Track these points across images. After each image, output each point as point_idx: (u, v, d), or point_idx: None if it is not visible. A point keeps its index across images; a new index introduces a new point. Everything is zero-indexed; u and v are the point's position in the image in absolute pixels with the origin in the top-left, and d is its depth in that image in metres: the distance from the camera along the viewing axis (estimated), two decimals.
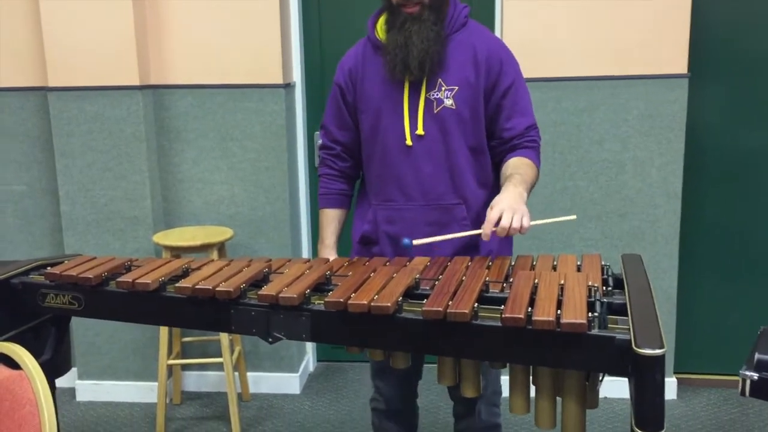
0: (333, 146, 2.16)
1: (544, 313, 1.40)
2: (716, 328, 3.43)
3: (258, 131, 3.26)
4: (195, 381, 3.51)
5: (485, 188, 2.08)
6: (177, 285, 1.67)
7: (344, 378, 3.60)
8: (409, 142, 2.00)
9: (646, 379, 1.29)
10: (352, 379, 3.58)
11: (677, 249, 3.19)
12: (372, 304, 1.50)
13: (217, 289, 1.63)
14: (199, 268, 1.84)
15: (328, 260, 1.98)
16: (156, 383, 3.17)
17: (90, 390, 3.44)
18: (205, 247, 3.00)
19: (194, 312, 1.69)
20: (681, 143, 3.11)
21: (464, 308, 1.45)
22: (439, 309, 1.46)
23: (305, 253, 3.54)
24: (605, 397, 3.22)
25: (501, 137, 2.05)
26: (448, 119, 1.99)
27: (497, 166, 2.12)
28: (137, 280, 1.72)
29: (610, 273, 1.77)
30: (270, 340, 1.63)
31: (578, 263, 1.82)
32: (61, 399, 3.37)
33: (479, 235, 1.80)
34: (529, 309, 1.44)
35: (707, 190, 3.31)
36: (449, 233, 2.04)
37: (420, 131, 2.00)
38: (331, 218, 2.18)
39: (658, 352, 1.27)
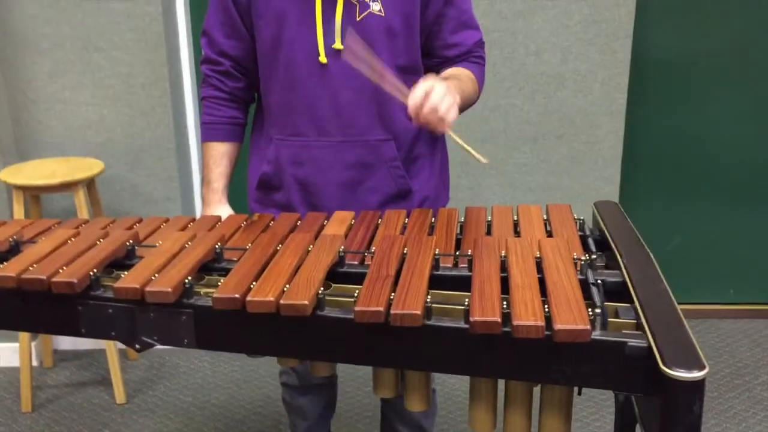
0: (220, 60, 1.63)
1: (528, 314, 0.99)
2: (658, 257, 3.17)
3: (129, 39, 2.64)
4: (71, 338, 2.98)
5: None
6: None
7: None
8: (323, 58, 1.50)
9: (679, 410, 0.91)
10: None
11: (619, 174, 2.87)
12: (281, 301, 1.05)
13: (54, 279, 1.13)
14: (34, 241, 1.32)
15: (218, 219, 1.49)
16: (17, 344, 2.63)
17: None
18: (68, 186, 2.43)
19: (24, 310, 1.18)
20: (627, 53, 2.73)
21: (414, 307, 1.02)
22: (379, 309, 1.02)
23: (196, 186, 3.01)
24: None
25: (444, 55, 1.61)
26: (375, 29, 1.50)
27: None
28: None
29: (587, 231, 1.38)
30: (137, 346, 1.16)
31: (544, 218, 1.42)
32: None
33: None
34: (504, 304, 1.03)
35: (652, 107, 2.96)
36: (375, 176, 1.60)
37: (338, 44, 1.50)
38: (220, 154, 1.67)
39: (698, 375, 0.89)
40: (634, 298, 1.08)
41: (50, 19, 2.61)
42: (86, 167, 2.53)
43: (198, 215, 3.01)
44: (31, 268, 1.16)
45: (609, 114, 2.79)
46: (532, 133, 2.81)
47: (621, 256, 1.20)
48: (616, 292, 1.15)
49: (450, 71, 1.59)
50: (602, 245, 1.34)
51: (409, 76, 1.58)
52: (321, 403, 1.99)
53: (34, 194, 2.53)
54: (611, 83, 2.75)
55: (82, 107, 2.71)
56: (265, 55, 1.57)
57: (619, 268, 1.19)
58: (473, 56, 1.64)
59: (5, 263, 1.20)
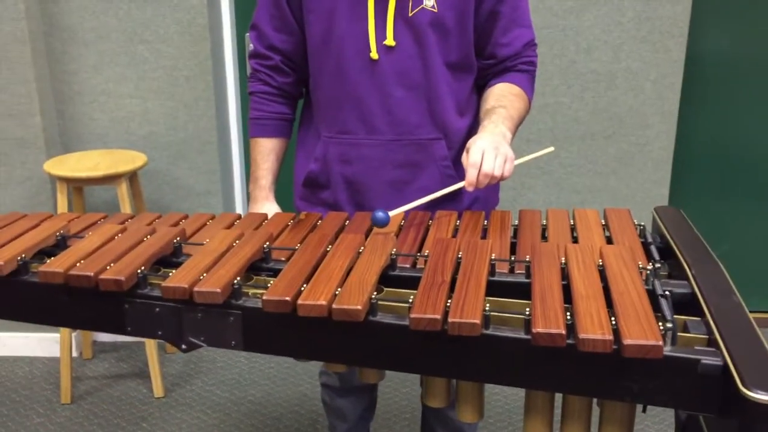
0: (269, 55, 1.60)
1: (595, 327, 0.93)
2: None
3: (174, 32, 2.63)
4: None
5: (467, 119, 1.58)
6: (42, 269, 1.13)
7: None
8: (374, 54, 1.46)
9: None
10: None
11: (669, 176, 2.78)
12: (334, 305, 1.01)
13: (101, 277, 1.10)
14: (80, 236, 1.30)
15: (265, 217, 1.46)
16: (59, 334, 2.64)
17: None
18: (111, 178, 2.42)
19: (71, 306, 1.16)
20: (682, 52, 2.64)
21: (472, 316, 0.97)
22: (435, 317, 0.97)
23: (237, 180, 2.99)
24: None
25: (494, 55, 1.56)
26: (427, 26, 1.46)
27: (480, 90, 1.62)
28: None
29: (649, 238, 1.32)
30: (184, 346, 1.13)
31: (602, 222, 1.36)
32: None
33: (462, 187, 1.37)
34: (568, 316, 0.97)
35: (705, 108, 2.86)
36: (425, 176, 1.55)
37: (390, 41, 1.46)
38: (268, 150, 1.64)
39: None
40: (706, 311, 1.02)
41: (96, 12, 2.61)
42: (129, 160, 2.52)
43: (238, 210, 3.00)
44: (78, 264, 1.14)
45: (660, 114, 2.70)
46: (579, 132, 2.73)
47: (689, 266, 1.14)
48: (683, 304, 1.09)
49: (495, 95, 1.53)
50: (665, 254, 1.27)
51: (461, 74, 1.54)
52: (361, 406, 1.96)
53: (77, 186, 2.54)
54: (664, 82, 2.66)
55: (125, 99, 2.71)
56: (314, 50, 1.53)
57: (687, 279, 1.13)
58: (522, 61, 1.57)
59: (52, 258, 1.18)
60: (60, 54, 2.66)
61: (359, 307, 1.00)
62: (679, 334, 1.00)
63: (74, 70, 2.68)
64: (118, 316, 1.14)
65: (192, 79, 2.68)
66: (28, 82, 2.57)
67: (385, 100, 1.49)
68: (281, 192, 1.66)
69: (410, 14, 1.45)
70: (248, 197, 1.67)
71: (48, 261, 1.16)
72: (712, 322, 0.98)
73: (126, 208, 2.45)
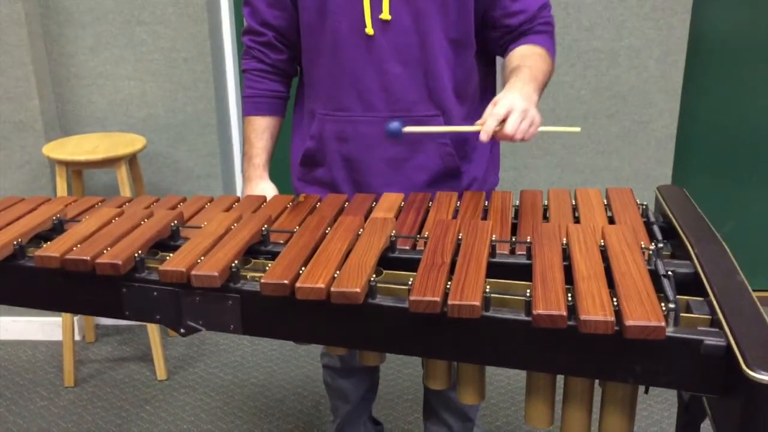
0: (262, 31, 1.57)
1: (596, 308, 0.92)
2: None
3: (172, 13, 2.60)
4: None
5: (466, 97, 1.56)
6: (38, 253, 1.12)
7: None
8: (369, 30, 1.44)
9: (762, 414, 0.84)
10: None
11: (672, 155, 2.76)
12: (332, 288, 1.00)
13: (98, 261, 1.09)
14: (77, 219, 1.29)
15: (263, 200, 1.44)
16: (61, 318, 2.64)
17: None
18: (110, 162, 2.41)
19: (68, 290, 1.15)
20: (685, 30, 2.60)
21: (472, 298, 0.96)
22: (435, 300, 0.96)
23: (237, 162, 2.97)
24: None
25: (507, 24, 1.51)
26: (425, 1, 1.43)
27: (486, 62, 1.59)
28: None
29: (651, 217, 1.30)
30: (182, 330, 1.12)
31: (604, 202, 1.35)
32: None
33: (476, 134, 1.31)
34: (569, 297, 0.96)
35: (709, 86, 2.83)
36: (423, 154, 1.54)
37: (385, 15, 1.43)
38: (262, 129, 1.62)
39: None
40: (709, 292, 1.01)
41: None
42: (128, 143, 2.51)
43: (238, 192, 2.99)
44: (75, 249, 1.13)
45: (664, 92, 2.68)
46: (582, 111, 2.71)
47: (692, 246, 1.13)
48: (686, 284, 1.08)
49: (517, 55, 1.47)
50: (668, 233, 1.26)
51: (460, 52, 1.51)
52: (363, 387, 1.96)
53: (76, 170, 2.52)
54: (667, 60, 2.63)
55: (123, 82, 2.69)
56: (308, 26, 1.51)
57: (690, 259, 1.12)
58: (539, 23, 1.51)
59: (49, 242, 1.17)
60: (57, 36, 2.64)
61: (358, 290, 0.99)
62: (681, 314, 0.99)
63: (71, 52, 2.66)
64: (116, 301, 1.13)
65: (190, 60, 2.66)
66: (25, 65, 2.55)
67: (381, 76, 1.47)
68: (279, 173, 1.65)
69: None
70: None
71: (44, 245, 1.15)
72: (715, 303, 0.97)
73: (125, 191, 2.44)
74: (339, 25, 1.46)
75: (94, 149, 2.43)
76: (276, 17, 1.55)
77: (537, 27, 1.50)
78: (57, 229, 1.27)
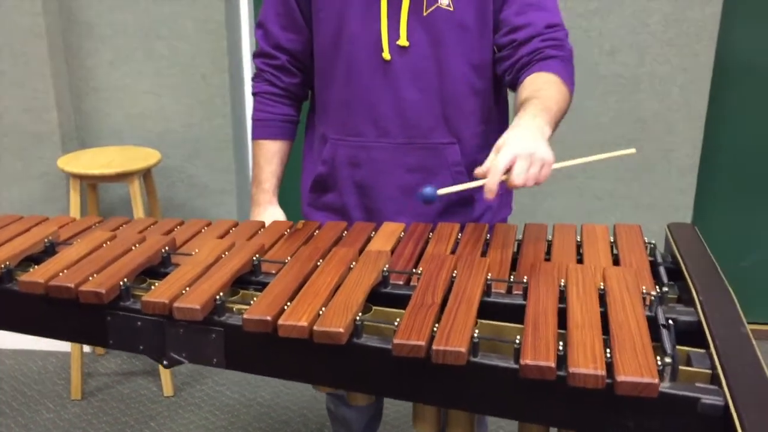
0: (275, 54, 1.55)
1: (587, 360, 0.88)
2: (734, 273, 2.97)
3: (191, 28, 2.61)
4: None
5: (485, 123, 1.51)
6: (23, 278, 1.11)
7: None
8: (386, 55, 1.41)
9: None
10: None
11: (695, 184, 2.69)
12: (315, 327, 0.96)
13: (81, 288, 1.07)
14: (69, 242, 1.27)
15: (261, 226, 1.42)
16: None
17: None
18: (123, 176, 2.41)
19: (53, 317, 1.13)
20: (710, 57, 2.54)
21: (458, 344, 0.92)
22: (419, 344, 0.92)
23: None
24: None
25: (512, 39, 1.41)
26: (443, 25, 1.40)
27: (500, 88, 1.55)
28: None
29: (659, 258, 1.25)
30: (165, 363, 1.09)
31: (611, 240, 1.30)
32: None
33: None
34: (560, 346, 0.92)
35: (734, 115, 2.76)
36: (436, 181, 1.49)
37: (403, 41, 1.40)
38: (272, 153, 1.59)
39: None
40: (710, 344, 0.95)
41: (113, 7, 2.60)
42: (143, 157, 2.51)
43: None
44: (60, 275, 1.11)
45: (687, 120, 2.61)
46: (601, 137, 2.66)
47: (697, 293, 1.07)
48: (689, 333, 1.03)
49: (528, 88, 1.35)
50: (676, 275, 1.21)
51: (481, 77, 1.47)
52: (366, 415, 1.92)
53: (91, 183, 2.53)
54: (691, 87, 2.57)
55: (141, 96, 2.70)
56: (323, 50, 1.48)
57: (694, 306, 1.06)
58: (549, 45, 1.39)
59: (36, 267, 1.15)
60: (77, 49, 2.66)
61: (341, 330, 0.95)
62: (681, 367, 0.94)
63: (91, 65, 2.67)
64: (101, 329, 1.11)
65: (208, 76, 2.66)
66: (45, 77, 2.57)
67: (397, 102, 1.44)
68: (289, 199, 1.62)
69: (425, 13, 1.39)
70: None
71: (31, 270, 1.14)
72: (716, 356, 0.92)
73: (138, 206, 2.44)
74: (356, 49, 1.43)
75: (108, 163, 2.43)
76: (290, 40, 1.53)
77: (548, 51, 1.40)
78: (49, 251, 1.25)
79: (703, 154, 2.67)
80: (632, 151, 1.30)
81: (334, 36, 1.45)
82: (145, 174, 2.54)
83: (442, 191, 1.25)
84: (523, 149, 1.18)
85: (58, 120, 2.62)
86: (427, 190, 1.23)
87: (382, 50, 1.41)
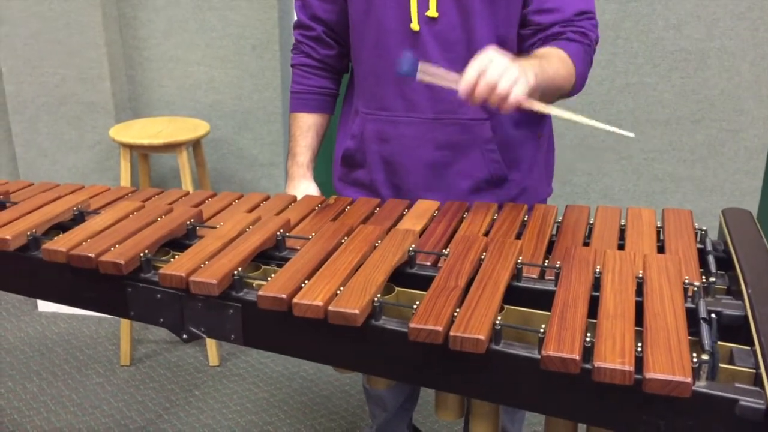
0: (312, 25, 1.52)
1: (615, 354, 0.81)
2: None
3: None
4: None
5: None
6: (45, 246, 1.10)
7: None
8: (415, 26, 1.35)
9: None
10: None
11: (763, 167, 2.54)
12: (330, 307, 0.93)
13: (101, 259, 1.06)
14: (98, 212, 1.26)
15: (292, 200, 1.39)
16: None
17: None
18: (171, 146, 2.42)
19: (75, 286, 1.13)
20: None
21: (478, 330, 0.86)
22: (437, 329, 0.87)
23: None
24: None
25: (537, 22, 1.37)
26: None
27: None
28: None
29: (709, 245, 1.16)
30: (184, 336, 1.08)
31: (658, 225, 1.22)
32: (21, 309, 2.93)
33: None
34: (587, 337, 0.85)
35: None
36: (467, 159, 1.44)
37: (432, 12, 1.34)
38: (308, 126, 1.56)
39: None
40: (755, 341, 0.88)
41: None
42: (191, 128, 2.51)
43: None
44: (83, 244, 1.10)
45: (757, 99, 2.46)
46: (664, 115, 2.53)
47: (745, 284, 0.99)
48: (735, 328, 0.95)
49: (538, 53, 1.33)
50: (727, 264, 1.12)
51: (505, 48, 1.39)
52: (402, 395, 1.88)
53: (141, 153, 2.55)
54: (762, 64, 2.41)
55: (193, 67, 2.69)
56: (356, 20, 1.44)
57: (742, 298, 0.98)
58: (572, 30, 1.35)
59: (60, 235, 1.15)
60: (131, 19, 2.67)
61: (356, 312, 0.91)
62: (721, 365, 0.86)
63: (144, 35, 2.68)
64: (122, 300, 1.10)
65: (258, 47, 2.63)
66: (99, 47, 2.59)
67: None
68: (326, 172, 1.59)
69: None
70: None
71: (55, 238, 1.13)
72: (760, 355, 0.84)
73: (186, 176, 2.44)
74: (384, 20, 1.38)
75: (157, 133, 2.44)
76: (327, 11, 1.49)
77: (569, 35, 1.35)
78: (77, 219, 1.25)
79: None
80: (630, 134, 1.22)
81: (365, 6, 1.41)
82: (195, 145, 2.54)
83: (422, 72, 1.21)
84: (501, 58, 1.14)
85: (111, 89, 2.65)
86: (408, 60, 1.19)
87: (410, 21, 1.35)
